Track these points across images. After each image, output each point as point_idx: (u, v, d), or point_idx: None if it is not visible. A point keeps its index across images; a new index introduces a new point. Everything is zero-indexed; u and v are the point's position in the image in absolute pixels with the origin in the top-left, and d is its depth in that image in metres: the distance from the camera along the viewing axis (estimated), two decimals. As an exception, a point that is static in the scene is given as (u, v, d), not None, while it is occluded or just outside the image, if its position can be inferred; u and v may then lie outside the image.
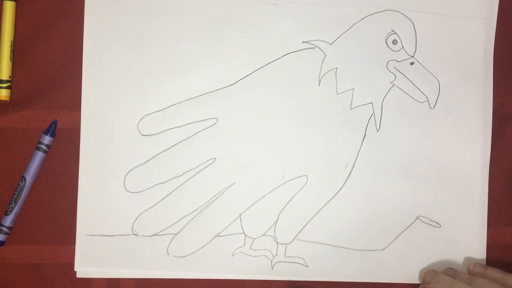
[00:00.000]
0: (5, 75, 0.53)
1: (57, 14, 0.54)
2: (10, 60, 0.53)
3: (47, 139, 0.53)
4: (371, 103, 0.55)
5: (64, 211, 0.53)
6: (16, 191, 0.52)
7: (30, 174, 0.52)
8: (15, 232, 0.53)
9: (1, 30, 0.53)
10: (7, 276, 0.53)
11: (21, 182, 0.52)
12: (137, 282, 0.54)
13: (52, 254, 0.53)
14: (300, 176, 0.54)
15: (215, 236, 0.54)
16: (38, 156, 0.52)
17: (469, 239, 0.55)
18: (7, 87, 0.53)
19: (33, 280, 0.53)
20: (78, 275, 0.53)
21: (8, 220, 0.52)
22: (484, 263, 0.55)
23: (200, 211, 0.54)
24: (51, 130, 0.53)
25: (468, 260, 0.55)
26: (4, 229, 0.52)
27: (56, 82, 0.54)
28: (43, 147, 0.52)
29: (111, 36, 0.53)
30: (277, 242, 0.54)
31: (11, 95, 0.53)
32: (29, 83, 0.53)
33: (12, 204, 0.52)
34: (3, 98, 0.53)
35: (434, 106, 0.55)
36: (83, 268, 0.53)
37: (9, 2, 0.53)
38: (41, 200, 0.53)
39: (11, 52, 0.53)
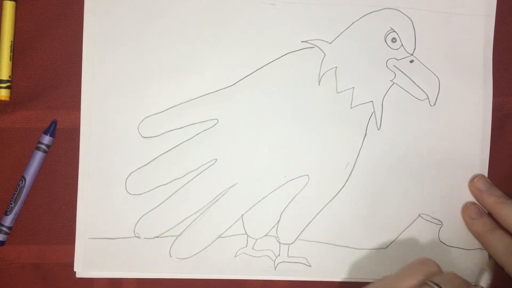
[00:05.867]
0: (5, 75, 0.52)
1: (57, 14, 0.54)
2: (10, 60, 0.53)
3: (47, 139, 0.52)
4: (371, 101, 0.55)
5: (64, 211, 0.53)
6: (16, 191, 0.52)
7: (30, 174, 0.52)
8: (15, 232, 0.53)
9: (1, 30, 0.52)
10: (7, 276, 0.52)
11: (21, 182, 0.52)
12: (138, 282, 0.53)
13: (52, 254, 0.53)
14: (301, 176, 0.54)
15: (217, 237, 0.53)
16: (38, 156, 0.52)
17: (470, 237, 0.55)
18: (7, 87, 0.52)
19: (34, 280, 0.53)
20: (77, 275, 0.53)
21: (8, 220, 0.52)
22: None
23: (202, 213, 0.53)
24: (51, 130, 0.52)
25: (470, 258, 0.55)
26: (4, 229, 0.52)
27: (56, 82, 0.53)
28: (43, 147, 0.52)
29: (111, 36, 0.53)
30: (279, 242, 0.54)
31: (11, 95, 0.53)
32: (29, 83, 0.53)
33: (12, 204, 0.52)
34: (2, 98, 0.52)
35: (435, 104, 0.55)
36: (85, 270, 0.52)
37: (9, 2, 0.53)
38: (41, 200, 0.53)
39: (11, 52, 0.53)
